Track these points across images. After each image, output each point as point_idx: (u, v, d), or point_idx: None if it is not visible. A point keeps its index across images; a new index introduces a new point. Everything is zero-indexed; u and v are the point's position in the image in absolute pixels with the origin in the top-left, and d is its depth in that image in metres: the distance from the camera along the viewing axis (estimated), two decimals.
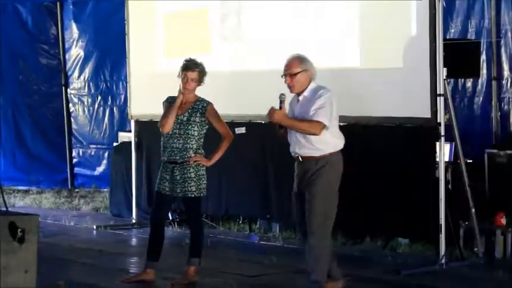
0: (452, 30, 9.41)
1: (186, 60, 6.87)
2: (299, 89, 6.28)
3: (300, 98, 6.31)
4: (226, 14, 9.09)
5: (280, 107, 6.23)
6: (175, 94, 6.92)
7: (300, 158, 6.30)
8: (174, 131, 6.81)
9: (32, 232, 4.99)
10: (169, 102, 6.92)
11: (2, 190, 5.39)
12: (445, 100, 7.37)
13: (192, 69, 6.80)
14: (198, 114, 6.82)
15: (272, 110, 6.19)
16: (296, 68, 6.27)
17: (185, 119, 6.82)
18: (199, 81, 6.85)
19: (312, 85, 6.29)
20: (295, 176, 6.39)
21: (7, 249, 4.89)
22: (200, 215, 7.14)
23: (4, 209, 5.63)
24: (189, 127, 6.80)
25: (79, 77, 13.00)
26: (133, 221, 10.02)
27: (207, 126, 6.87)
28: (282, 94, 6.28)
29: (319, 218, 6.17)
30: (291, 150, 6.37)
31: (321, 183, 6.19)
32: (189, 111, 6.83)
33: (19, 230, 4.91)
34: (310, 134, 6.16)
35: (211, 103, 6.88)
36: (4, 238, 4.88)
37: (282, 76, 6.33)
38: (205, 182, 6.86)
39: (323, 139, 6.18)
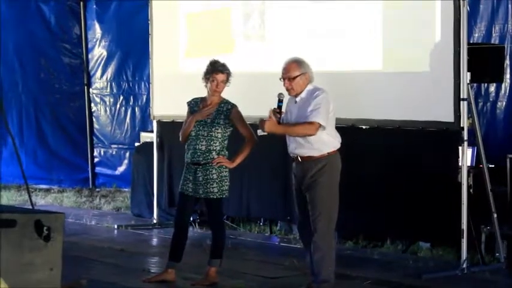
0: (476, 35, 9.37)
1: (212, 62, 6.85)
2: (297, 92, 6.36)
3: (297, 99, 6.39)
4: (249, 13, 9.08)
5: (279, 106, 6.31)
6: (198, 95, 6.95)
7: (299, 159, 6.35)
8: (198, 132, 6.82)
9: (58, 230, 5.01)
10: (192, 106, 6.94)
11: (28, 189, 5.43)
12: (469, 104, 7.36)
13: (222, 71, 6.81)
14: (222, 117, 6.82)
15: (262, 121, 6.25)
16: (295, 72, 6.34)
17: (209, 121, 6.82)
18: (226, 82, 6.87)
19: (309, 87, 6.37)
20: (294, 176, 6.47)
21: (32, 247, 4.91)
22: (222, 216, 7.16)
23: (30, 207, 5.68)
24: (213, 129, 6.80)
25: (101, 76, 13.05)
26: (154, 221, 10.03)
27: (231, 128, 6.87)
28: (281, 94, 6.36)
29: (323, 217, 6.26)
30: (289, 151, 6.44)
31: (323, 183, 6.27)
32: (213, 113, 6.84)
33: (45, 228, 4.95)
34: (305, 136, 6.23)
35: (235, 105, 6.87)
36: (30, 236, 4.91)
37: (280, 79, 6.39)
38: (227, 183, 6.86)
39: (321, 139, 6.25)
